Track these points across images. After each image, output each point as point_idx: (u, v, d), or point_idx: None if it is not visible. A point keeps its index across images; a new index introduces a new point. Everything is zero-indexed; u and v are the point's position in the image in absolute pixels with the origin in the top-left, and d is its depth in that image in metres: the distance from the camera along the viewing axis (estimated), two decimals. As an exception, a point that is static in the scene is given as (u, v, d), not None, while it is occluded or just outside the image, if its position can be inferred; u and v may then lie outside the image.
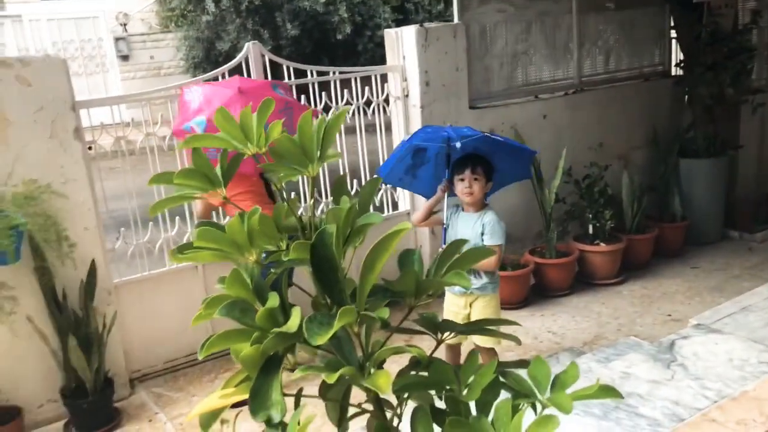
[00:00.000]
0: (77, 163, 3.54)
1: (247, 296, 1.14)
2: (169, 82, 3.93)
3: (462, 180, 3.19)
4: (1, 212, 3.19)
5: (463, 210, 3.29)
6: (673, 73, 5.96)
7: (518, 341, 1.36)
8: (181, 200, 1.23)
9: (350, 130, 4.57)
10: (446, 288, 3.28)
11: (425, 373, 1.21)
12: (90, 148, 3.69)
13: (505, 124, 4.93)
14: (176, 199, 1.23)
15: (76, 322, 3.43)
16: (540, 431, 1.06)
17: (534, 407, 1.16)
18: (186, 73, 10.24)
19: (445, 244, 3.21)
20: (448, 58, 4.63)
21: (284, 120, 1.27)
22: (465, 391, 1.16)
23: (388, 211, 4.77)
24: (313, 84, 4.33)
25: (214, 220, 3.93)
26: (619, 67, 5.70)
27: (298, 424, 1.08)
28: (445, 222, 3.24)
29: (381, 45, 5.10)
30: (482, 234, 3.19)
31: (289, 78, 4.26)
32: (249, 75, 4.05)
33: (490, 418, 1.12)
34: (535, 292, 4.78)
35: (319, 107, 4.33)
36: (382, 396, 1.17)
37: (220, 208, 3.89)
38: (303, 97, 4.27)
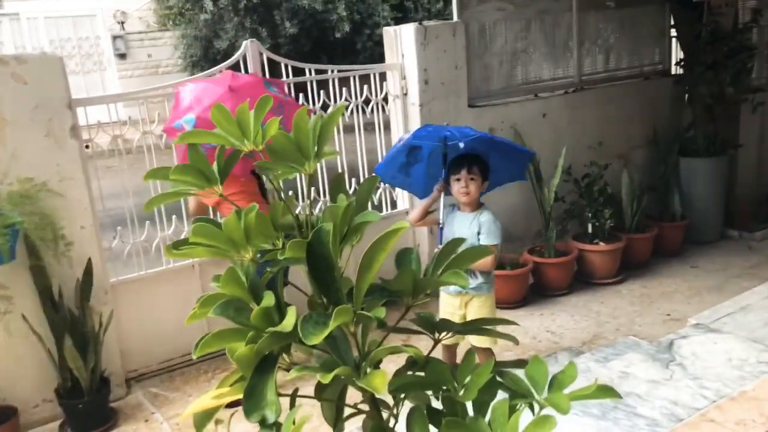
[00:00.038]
0: (74, 162, 3.53)
1: (242, 295, 1.14)
2: (167, 81, 3.92)
3: (458, 180, 3.18)
4: (-3, 211, 3.18)
5: (459, 209, 3.29)
6: (673, 72, 5.95)
7: (516, 341, 1.36)
8: (176, 196, 1.23)
9: (349, 129, 4.56)
10: (441, 288, 3.27)
11: (422, 373, 1.21)
12: (87, 146, 3.68)
13: (504, 122, 4.92)
14: (172, 195, 1.22)
15: (72, 322, 3.42)
16: (537, 431, 1.06)
17: (531, 407, 1.15)
18: (184, 72, 10.21)
19: (441, 243, 3.21)
20: (447, 57, 4.63)
21: (280, 119, 1.26)
22: (462, 392, 1.16)
23: (387, 210, 4.76)
24: (311, 82, 4.32)
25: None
26: (619, 65, 5.70)
27: (293, 424, 1.07)
28: (441, 222, 3.23)
29: (380, 43, 5.08)
30: (479, 233, 3.19)
31: (288, 76, 4.25)
32: (247, 73, 4.04)
33: (487, 418, 1.12)
34: (534, 291, 4.78)
35: (318, 106, 4.32)
36: (378, 396, 1.17)
37: (212, 208, 3.86)
38: (301, 95, 4.27)
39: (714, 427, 2.55)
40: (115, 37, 13.28)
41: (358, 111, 4.51)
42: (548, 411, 1.11)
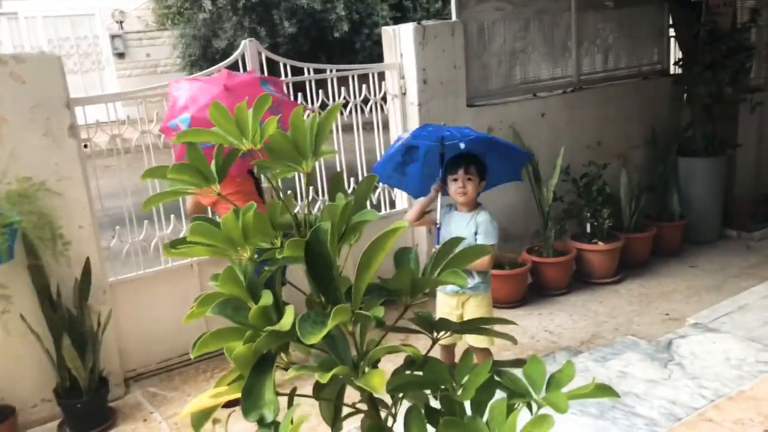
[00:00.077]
0: (72, 161, 3.53)
1: (240, 294, 1.14)
2: (166, 80, 3.91)
3: (455, 180, 3.18)
4: (-5, 210, 3.18)
5: (456, 209, 3.29)
6: (671, 72, 5.96)
7: (514, 341, 1.36)
8: (174, 195, 1.22)
9: (348, 128, 4.56)
10: (438, 288, 3.27)
11: (420, 373, 1.21)
12: (85, 145, 3.68)
13: (503, 122, 4.92)
14: (170, 194, 1.22)
15: (70, 321, 3.42)
16: (535, 431, 1.06)
17: (529, 407, 1.15)
18: (183, 71, 10.22)
19: (438, 244, 3.21)
20: (445, 56, 4.63)
21: (278, 117, 1.26)
22: (460, 391, 1.16)
23: (386, 209, 4.76)
24: (310, 82, 4.32)
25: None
26: (618, 65, 5.70)
27: (291, 423, 1.07)
28: (438, 222, 3.23)
29: (378, 43, 5.08)
30: (476, 234, 3.19)
31: (286, 76, 4.24)
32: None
33: (485, 417, 1.12)
34: (533, 291, 4.78)
35: (316, 105, 4.32)
36: (376, 396, 1.17)
37: (210, 209, 3.86)
38: (300, 95, 4.26)
39: (712, 427, 2.56)
40: (113, 37, 13.27)
41: (356, 110, 4.51)
42: (546, 410, 1.11)
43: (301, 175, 1.24)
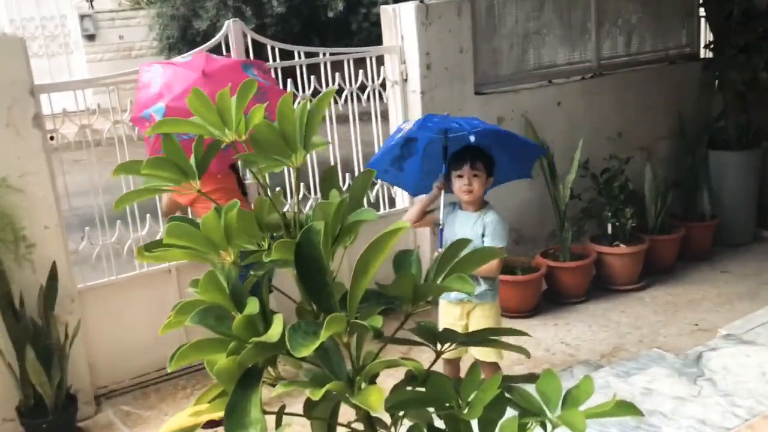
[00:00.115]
0: (36, 155, 3.53)
1: (222, 301, 1.14)
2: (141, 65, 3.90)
3: (460, 176, 3.18)
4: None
5: (461, 209, 3.28)
6: (701, 56, 5.96)
7: (527, 354, 1.36)
8: (149, 193, 1.22)
9: (343, 119, 4.56)
10: (441, 296, 3.28)
11: (422, 389, 1.21)
12: (51, 137, 3.68)
13: (514, 111, 4.93)
14: (144, 192, 1.22)
15: (34, 332, 3.42)
16: (550, 453, 1.06)
17: (543, 426, 1.15)
18: (160, 55, 10.20)
19: (441, 246, 3.21)
20: (451, 38, 4.63)
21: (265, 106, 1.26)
22: (466, 409, 1.16)
23: (385, 208, 4.77)
24: (301, 66, 4.33)
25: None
26: (642, 48, 5.71)
27: (280, 444, 1.07)
28: (441, 222, 3.23)
29: (377, 24, 5.09)
30: (483, 235, 3.19)
31: (275, 60, 4.25)
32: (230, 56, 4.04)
33: (494, 438, 1.12)
34: (548, 298, 4.79)
35: (308, 93, 4.32)
36: (374, 414, 1.17)
37: (188, 208, 3.85)
38: (290, 81, 4.27)
39: (746, 449, 2.56)
40: (82, 17, 13.25)
41: (352, 99, 4.51)
42: (562, 430, 1.12)
43: (291, 170, 1.24)
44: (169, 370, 1.11)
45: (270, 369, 1.17)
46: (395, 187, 4.81)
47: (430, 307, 1.25)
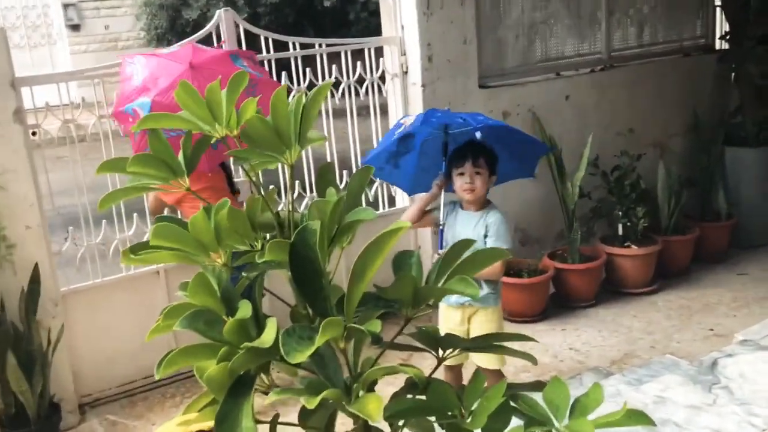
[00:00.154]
0: (17, 151, 3.52)
1: (213, 305, 1.14)
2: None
3: (462, 174, 3.17)
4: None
5: (462, 208, 3.28)
6: (717, 48, 5.97)
7: (534, 360, 1.36)
8: (135, 192, 1.23)
9: (340, 113, 4.56)
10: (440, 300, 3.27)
11: (423, 397, 1.21)
12: (33, 133, 3.67)
13: (521, 106, 4.93)
14: (130, 191, 1.23)
15: (15, 338, 3.42)
16: (558, 464, 1.06)
17: (551, 436, 1.15)
18: (147, 46, 10.23)
19: (442, 248, 3.21)
20: (454, 29, 4.63)
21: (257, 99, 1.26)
22: (469, 418, 1.16)
23: (384, 207, 4.77)
24: (296, 58, 4.32)
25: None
26: (655, 39, 5.71)
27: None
28: (441, 222, 3.23)
29: (376, 13, 5.10)
30: (485, 236, 3.19)
31: (268, 51, 4.25)
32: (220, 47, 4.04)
33: (499, 449, 1.12)
34: (555, 302, 4.79)
35: (303, 86, 4.32)
36: (372, 424, 1.17)
37: (175, 207, 3.85)
38: (284, 73, 4.27)
39: (764, 460, 2.57)
40: (66, 6, 13.25)
41: (350, 92, 4.51)
42: (570, 440, 1.12)
43: (285, 167, 1.24)
44: (157, 378, 1.11)
45: (263, 376, 1.17)
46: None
47: (431, 310, 1.25)
